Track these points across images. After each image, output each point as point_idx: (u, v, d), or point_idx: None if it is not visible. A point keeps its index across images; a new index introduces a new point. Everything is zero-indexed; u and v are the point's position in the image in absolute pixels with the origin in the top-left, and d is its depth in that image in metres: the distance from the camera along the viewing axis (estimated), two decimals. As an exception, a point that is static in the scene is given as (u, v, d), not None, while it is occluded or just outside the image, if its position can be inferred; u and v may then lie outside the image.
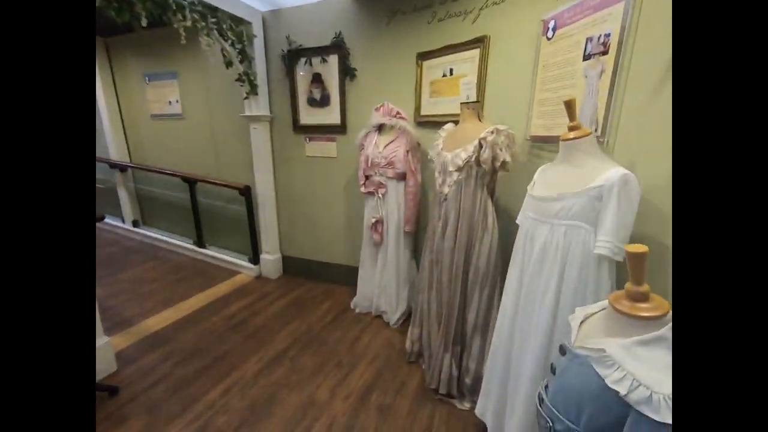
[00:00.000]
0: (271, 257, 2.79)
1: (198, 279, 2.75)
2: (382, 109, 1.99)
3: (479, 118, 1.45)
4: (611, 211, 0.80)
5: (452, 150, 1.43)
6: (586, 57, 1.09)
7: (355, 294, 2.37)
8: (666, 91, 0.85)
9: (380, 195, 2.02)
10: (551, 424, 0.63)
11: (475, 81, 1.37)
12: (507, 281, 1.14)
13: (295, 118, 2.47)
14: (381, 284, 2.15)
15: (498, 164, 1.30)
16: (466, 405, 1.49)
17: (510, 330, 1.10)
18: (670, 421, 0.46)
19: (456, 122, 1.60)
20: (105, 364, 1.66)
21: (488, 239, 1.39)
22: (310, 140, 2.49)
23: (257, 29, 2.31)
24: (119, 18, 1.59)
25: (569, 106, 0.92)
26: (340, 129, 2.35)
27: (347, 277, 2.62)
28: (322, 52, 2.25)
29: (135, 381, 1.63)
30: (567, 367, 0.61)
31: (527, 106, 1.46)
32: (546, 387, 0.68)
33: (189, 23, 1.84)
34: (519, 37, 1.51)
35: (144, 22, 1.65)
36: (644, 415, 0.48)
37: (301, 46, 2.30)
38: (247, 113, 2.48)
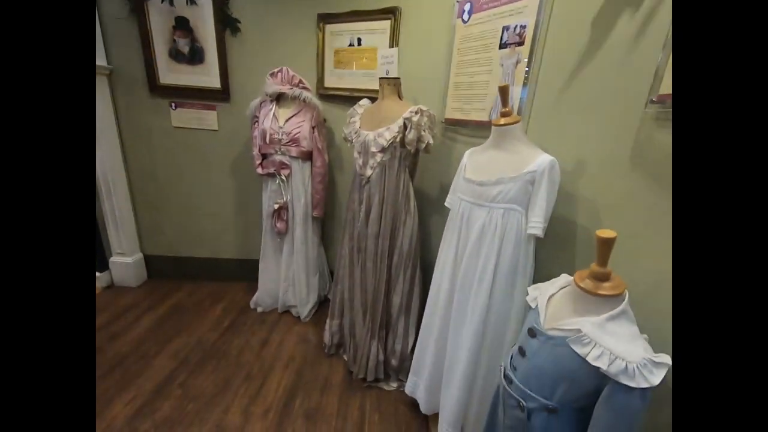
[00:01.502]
0: (127, 260, 2.13)
1: None
2: (279, 75, 1.69)
3: (399, 96, 1.38)
4: (542, 194, 0.88)
5: (374, 129, 1.33)
6: (503, 45, 1.15)
7: (253, 291, 2.06)
8: (574, 86, 0.96)
9: (283, 177, 1.75)
10: (523, 402, 0.66)
11: (396, 55, 1.29)
12: (439, 262, 1.16)
13: (150, 74, 1.86)
14: (288, 277, 1.93)
15: (423, 146, 1.28)
16: (393, 385, 1.51)
17: (445, 309, 1.13)
18: (643, 386, 0.52)
19: (371, 99, 1.50)
20: None
21: (410, 222, 1.38)
22: (177, 107, 1.94)
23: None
24: None
25: (503, 91, 0.94)
26: (222, 94, 1.90)
27: (240, 272, 2.26)
28: (187, -12, 1.72)
29: None
30: (540, 349, 0.64)
31: (441, 88, 1.47)
32: (513, 368, 0.71)
33: None
34: (432, 16, 1.48)
35: None
36: (619, 383, 0.53)
37: (153, -26, 1.70)
38: (68, 60, 1.72)
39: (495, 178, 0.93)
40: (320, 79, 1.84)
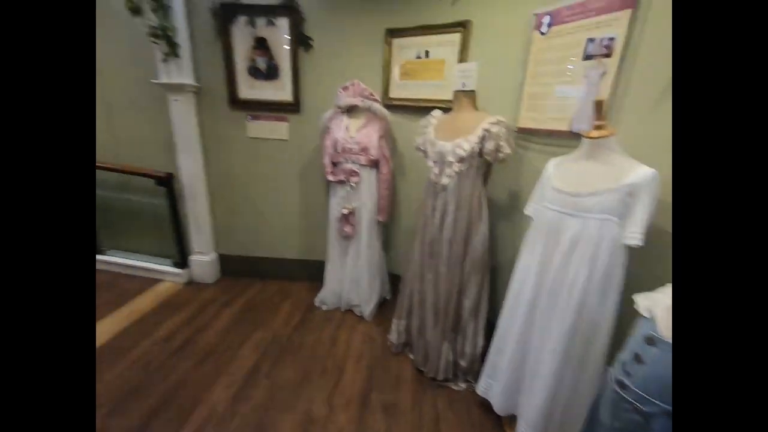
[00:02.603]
0: (205, 258, 2.34)
1: (103, 295, 2.13)
2: (352, 88, 1.80)
3: (474, 107, 1.43)
4: (643, 206, 0.90)
5: (450, 139, 1.39)
6: (587, 57, 1.17)
7: (315, 290, 2.20)
8: (666, 100, 0.97)
9: (353, 184, 1.86)
10: (641, 406, 0.69)
11: (475, 69, 1.34)
12: (520, 269, 1.20)
13: (232, 90, 2.04)
14: (352, 277, 2.04)
15: (500, 156, 1.32)
16: (462, 386, 1.56)
17: (526, 315, 1.17)
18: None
19: (443, 109, 1.56)
20: None
21: (483, 229, 1.43)
22: (253, 119, 2.11)
23: (173, -33, 1.78)
24: None
25: (598, 105, 0.97)
26: (293, 107, 2.05)
27: (303, 272, 2.41)
28: (268, 12, 1.88)
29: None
30: (661, 357, 0.67)
31: (514, 98, 1.51)
32: (626, 373, 0.74)
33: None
34: (504, 28, 1.52)
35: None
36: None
37: (239, 0, 1.87)
38: (165, 80, 1.94)
39: (591, 189, 0.96)
40: (385, 91, 1.93)
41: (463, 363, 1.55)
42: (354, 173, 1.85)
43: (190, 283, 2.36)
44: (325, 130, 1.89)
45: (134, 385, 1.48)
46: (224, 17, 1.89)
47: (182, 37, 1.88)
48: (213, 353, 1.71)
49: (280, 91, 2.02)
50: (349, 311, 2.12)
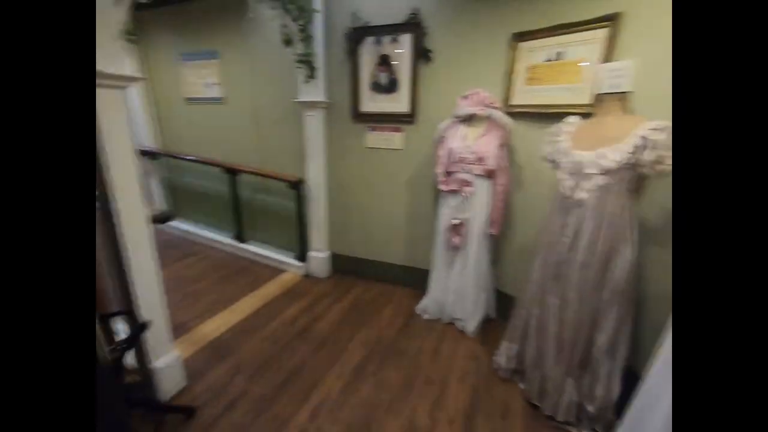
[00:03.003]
0: (320, 255, 2.61)
1: (242, 278, 2.57)
2: (473, 97, 1.76)
3: (627, 111, 1.23)
4: None
5: (591, 149, 1.23)
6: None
7: (417, 297, 2.20)
8: None
9: (466, 194, 1.82)
10: None
11: (630, 68, 1.16)
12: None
13: (355, 104, 2.24)
14: (457, 290, 1.98)
15: (661, 168, 1.10)
16: (587, 434, 1.34)
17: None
18: None
19: (582, 114, 1.39)
20: (175, 378, 1.50)
21: (629, 253, 1.21)
22: (372, 130, 2.27)
23: (317, 2, 2.05)
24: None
25: None
26: (408, 118, 2.13)
27: (405, 278, 2.45)
28: (393, 30, 2.01)
29: (210, 400, 1.47)
30: None
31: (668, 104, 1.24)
32: None
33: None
34: (666, 18, 1.28)
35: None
36: None
37: (368, 23, 2.04)
38: (303, 99, 2.25)
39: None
40: (507, 98, 1.84)
41: (590, 408, 1.33)
42: (467, 183, 1.80)
43: (308, 276, 2.65)
44: (440, 140, 1.90)
45: (267, 359, 1.73)
46: (355, 39, 2.10)
47: (320, 62, 2.15)
48: (326, 342, 1.87)
49: (397, 103, 2.13)
50: (451, 324, 2.07)
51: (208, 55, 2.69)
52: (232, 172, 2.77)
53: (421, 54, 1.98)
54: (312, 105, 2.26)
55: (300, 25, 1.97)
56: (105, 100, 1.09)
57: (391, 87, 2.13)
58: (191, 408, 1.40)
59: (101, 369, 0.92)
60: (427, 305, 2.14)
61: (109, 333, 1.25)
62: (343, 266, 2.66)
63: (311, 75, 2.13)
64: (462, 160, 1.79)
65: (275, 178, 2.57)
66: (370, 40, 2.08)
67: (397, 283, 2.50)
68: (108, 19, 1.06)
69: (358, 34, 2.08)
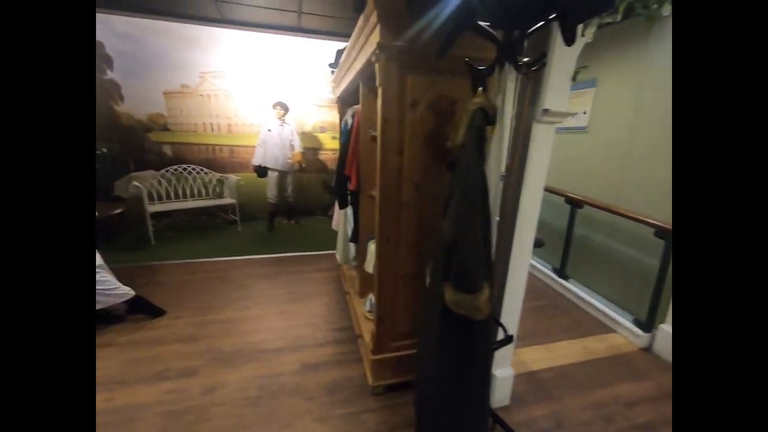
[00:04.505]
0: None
1: (560, 317, 2.37)
2: None
3: None
4: None
5: None
6: None
7: None
8: None
9: None
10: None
11: None
12: None
13: None
14: None
15: None
16: None
17: None
18: None
19: None
20: (502, 393, 1.56)
21: None
22: None
23: None
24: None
25: None
26: None
27: None
28: None
29: (532, 439, 1.40)
30: None
31: None
32: None
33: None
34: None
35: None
36: None
37: None
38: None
39: None
40: None
41: None
42: None
43: (648, 352, 2.02)
44: None
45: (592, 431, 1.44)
46: None
47: None
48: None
49: None
50: None
51: (585, 84, 2.64)
52: (576, 204, 2.60)
53: None
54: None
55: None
56: (540, 134, 1.23)
57: None
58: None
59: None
60: None
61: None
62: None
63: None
64: None
65: (636, 220, 2.13)
66: None
67: None
68: (564, 62, 1.16)
69: None
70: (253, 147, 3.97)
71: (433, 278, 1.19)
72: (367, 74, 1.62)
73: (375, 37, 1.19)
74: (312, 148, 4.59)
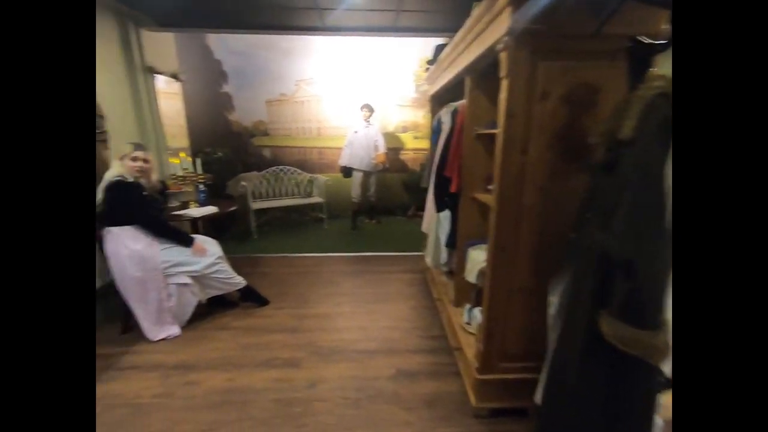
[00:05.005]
0: None
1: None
2: None
3: None
4: None
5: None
6: None
7: None
8: None
9: None
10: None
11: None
12: None
13: None
14: None
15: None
16: None
17: None
18: None
19: None
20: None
21: None
22: None
23: None
24: None
25: None
26: None
27: None
28: None
29: None
30: None
31: None
32: None
33: None
34: None
35: None
36: None
37: None
38: None
39: None
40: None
41: None
42: None
43: None
44: None
45: None
46: None
47: None
48: None
49: None
50: None
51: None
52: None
53: None
54: None
55: None
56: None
57: None
58: None
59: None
60: None
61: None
62: None
63: None
64: None
65: None
66: None
67: None
68: None
69: None
70: (339, 149, 4.14)
71: (567, 298, 1.01)
72: (479, 67, 1.49)
73: (503, 22, 1.06)
74: (394, 148, 4.61)
